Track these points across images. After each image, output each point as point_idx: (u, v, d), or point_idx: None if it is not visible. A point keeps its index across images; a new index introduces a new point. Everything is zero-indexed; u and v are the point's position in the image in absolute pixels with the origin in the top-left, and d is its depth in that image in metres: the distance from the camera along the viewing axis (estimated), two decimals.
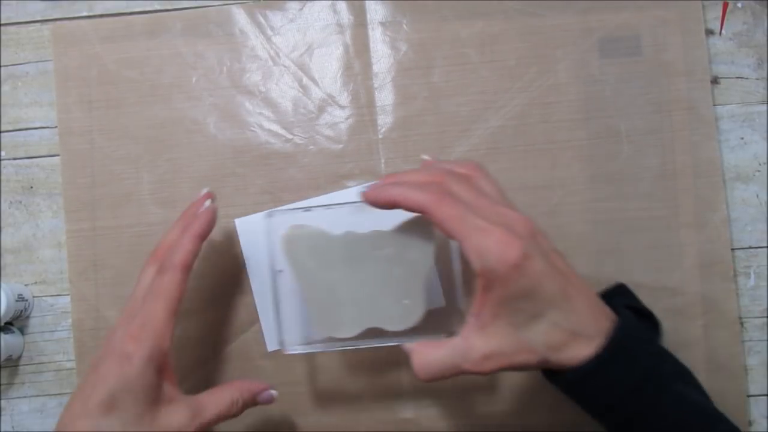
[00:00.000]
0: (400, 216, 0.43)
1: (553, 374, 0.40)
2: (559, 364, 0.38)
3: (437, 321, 0.46)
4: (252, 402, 0.45)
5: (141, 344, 0.40)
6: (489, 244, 0.37)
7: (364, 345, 0.44)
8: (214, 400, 0.43)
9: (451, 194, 0.39)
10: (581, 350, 0.38)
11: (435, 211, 0.38)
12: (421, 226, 0.44)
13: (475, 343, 0.39)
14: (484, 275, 0.37)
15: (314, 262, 0.45)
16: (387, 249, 0.44)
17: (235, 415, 0.44)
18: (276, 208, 0.47)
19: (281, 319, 0.46)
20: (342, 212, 0.45)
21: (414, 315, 0.44)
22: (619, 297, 0.43)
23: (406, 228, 0.44)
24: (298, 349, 0.46)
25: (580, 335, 0.38)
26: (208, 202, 0.46)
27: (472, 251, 0.37)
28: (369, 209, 0.41)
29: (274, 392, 0.46)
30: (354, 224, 0.44)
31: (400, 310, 0.44)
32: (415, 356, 0.40)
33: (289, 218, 0.45)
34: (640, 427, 0.39)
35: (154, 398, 0.40)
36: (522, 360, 0.38)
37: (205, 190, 0.47)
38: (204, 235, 0.44)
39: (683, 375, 0.41)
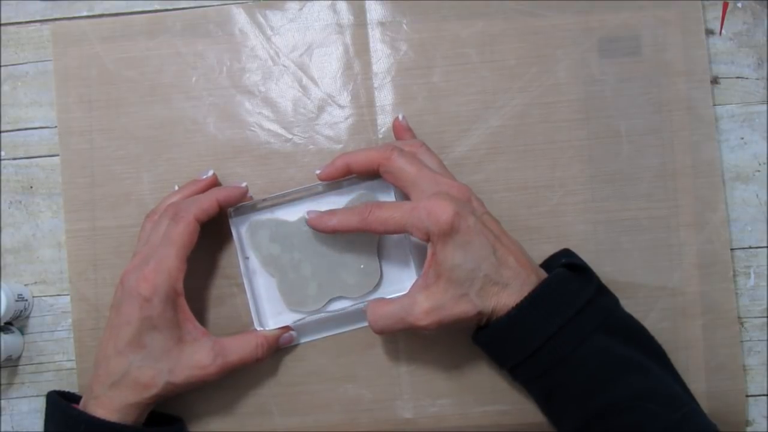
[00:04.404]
0: (349, 196, 0.50)
1: (479, 331, 0.45)
2: (490, 315, 0.44)
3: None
4: (275, 345, 0.49)
5: (156, 286, 0.43)
6: (422, 215, 0.43)
7: (330, 312, 0.49)
8: (238, 344, 0.47)
9: (377, 204, 0.45)
10: (508, 301, 0.43)
11: (369, 227, 0.45)
12: (368, 199, 0.49)
13: (418, 299, 0.44)
14: (428, 240, 0.43)
15: (277, 248, 0.50)
16: None
17: (260, 360, 0.48)
18: (237, 205, 0.50)
19: (256, 300, 0.50)
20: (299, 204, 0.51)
21: (371, 279, 0.49)
22: (563, 258, 0.47)
23: (355, 203, 0.50)
24: (271, 325, 0.50)
25: (508, 287, 0.43)
26: (244, 183, 0.49)
27: (414, 230, 0.44)
28: (322, 203, 0.50)
29: (294, 333, 0.50)
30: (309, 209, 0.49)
31: (358, 277, 0.49)
32: (369, 310, 0.46)
33: (251, 213, 0.50)
34: (555, 377, 0.43)
35: (178, 336, 0.45)
36: (460, 311, 0.43)
37: (210, 171, 0.50)
38: (225, 204, 0.48)
39: (613, 328, 0.44)
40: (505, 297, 0.43)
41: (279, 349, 0.50)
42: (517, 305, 0.43)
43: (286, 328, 0.49)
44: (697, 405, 0.44)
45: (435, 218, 0.42)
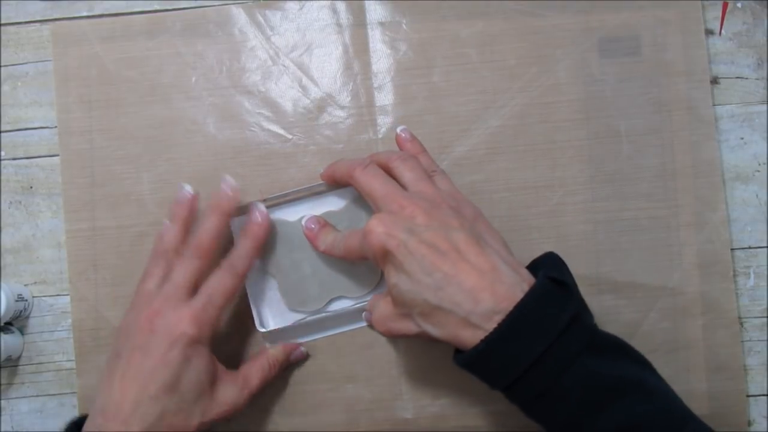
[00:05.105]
0: (349, 196, 0.50)
1: (456, 353, 0.41)
2: (443, 339, 0.40)
3: None
4: (286, 361, 0.49)
5: (202, 328, 0.43)
6: (362, 240, 0.42)
7: (331, 312, 0.50)
8: (255, 369, 0.47)
9: (349, 234, 0.45)
10: (455, 330, 0.39)
11: (347, 257, 0.46)
12: (353, 214, 0.50)
13: (378, 304, 0.45)
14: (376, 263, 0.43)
15: (277, 248, 0.50)
16: (341, 224, 0.49)
17: (275, 378, 0.48)
18: (237, 205, 0.49)
19: (257, 301, 0.50)
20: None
21: (371, 279, 0.49)
22: (546, 267, 0.42)
23: (356, 204, 0.50)
24: (272, 326, 0.50)
25: (452, 315, 0.39)
26: (263, 208, 0.48)
27: (367, 255, 0.43)
28: (322, 203, 0.50)
29: (303, 350, 0.50)
30: (309, 211, 0.50)
31: (359, 276, 0.49)
32: (370, 302, 0.47)
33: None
34: (545, 403, 0.39)
35: (212, 379, 0.44)
36: (404, 328, 0.43)
37: (187, 187, 0.48)
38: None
39: (597, 347, 0.39)
40: (452, 326, 0.39)
41: (290, 365, 0.50)
42: (484, 340, 0.38)
43: (294, 346, 0.50)
44: (695, 418, 0.40)
45: (368, 242, 0.41)
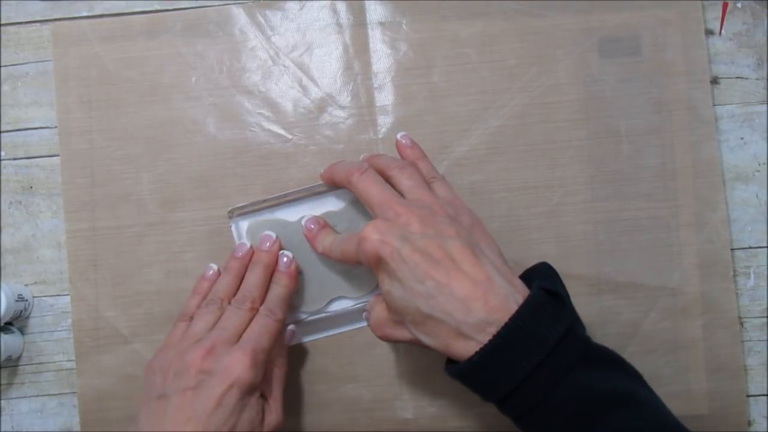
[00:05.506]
0: (349, 196, 0.50)
1: (448, 364, 0.41)
2: (436, 349, 0.40)
3: None
4: (286, 351, 0.49)
5: (257, 371, 0.43)
6: (358, 246, 0.42)
7: (331, 312, 0.50)
8: (274, 378, 0.46)
9: (347, 238, 0.45)
10: (447, 340, 0.39)
11: (344, 261, 0.46)
12: (351, 216, 0.50)
13: (375, 308, 0.44)
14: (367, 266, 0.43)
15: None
16: (340, 225, 0.49)
17: (288, 373, 0.48)
18: (237, 205, 0.50)
19: None
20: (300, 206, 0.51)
21: (371, 280, 0.49)
22: (539, 277, 0.41)
23: (355, 205, 0.50)
24: None
25: (444, 324, 0.39)
26: (288, 262, 0.48)
27: (362, 261, 0.43)
28: (322, 203, 0.50)
29: (289, 327, 0.50)
30: (309, 211, 0.50)
31: (359, 277, 0.49)
32: (369, 303, 0.46)
33: (252, 214, 0.50)
34: (538, 416, 0.39)
35: (261, 418, 0.44)
36: (398, 334, 0.43)
37: (248, 244, 0.49)
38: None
39: (591, 359, 0.39)
40: (444, 336, 0.39)
41: (288, 351, 0.50)
42: (478, 351, 0.38)
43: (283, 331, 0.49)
44: (686, 430, 0.40)
45: (363, 248, 0.41)
